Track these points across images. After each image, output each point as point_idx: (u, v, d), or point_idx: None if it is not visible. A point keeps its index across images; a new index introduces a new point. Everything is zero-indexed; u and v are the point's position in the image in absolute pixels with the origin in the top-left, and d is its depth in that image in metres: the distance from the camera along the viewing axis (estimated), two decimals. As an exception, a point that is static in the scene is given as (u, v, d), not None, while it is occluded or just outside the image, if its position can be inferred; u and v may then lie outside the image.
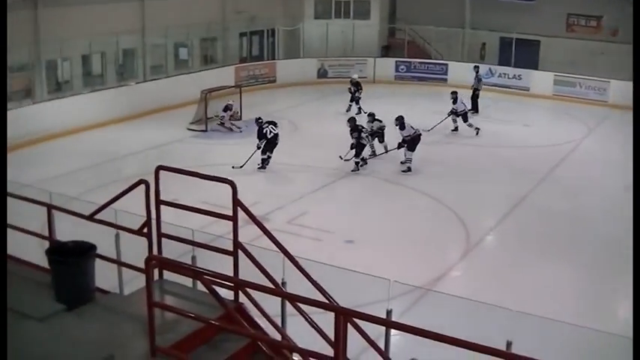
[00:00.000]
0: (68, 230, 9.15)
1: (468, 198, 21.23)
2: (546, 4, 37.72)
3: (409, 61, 39.27)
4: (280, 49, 41.25)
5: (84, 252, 7.69)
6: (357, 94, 31.50)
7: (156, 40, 33.59)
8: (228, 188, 7.54)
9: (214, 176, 7.96)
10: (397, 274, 10.69)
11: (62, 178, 22.32)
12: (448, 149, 26.80)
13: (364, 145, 23.64)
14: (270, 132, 23.49)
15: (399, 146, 23.88)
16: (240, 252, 7.82)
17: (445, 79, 37.79)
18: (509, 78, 37.14)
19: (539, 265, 16.69)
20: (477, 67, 33.69)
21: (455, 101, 28.64)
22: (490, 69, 37.45)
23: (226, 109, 28.37)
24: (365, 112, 29.43)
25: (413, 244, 17.76)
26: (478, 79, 32.98)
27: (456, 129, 28.84)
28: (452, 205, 20.44)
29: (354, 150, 23.46)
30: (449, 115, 28.67)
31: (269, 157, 23.62)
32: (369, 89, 35.25)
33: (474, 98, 32.53)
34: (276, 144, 23.65)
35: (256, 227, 7.86)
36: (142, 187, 7.96)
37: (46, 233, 8.94)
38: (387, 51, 42.19)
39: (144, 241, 8.11)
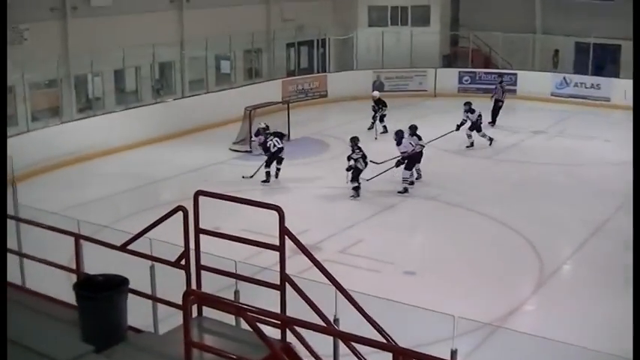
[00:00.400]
0: (98, 262, 9.18)
1: (540, 222, 20.96)
2: (627, 4, 37.19)
3: (474, 71, 39.14)
4: (331, 60, 41.37)
5: (115, 286, 7.68)
6: (379, 112, 31.24)
7: (195, 53, 33.88)
8: (274, 215, 7.51)
9: (260, 202, 8.02)
10: (463, 309, 10.57)
11: (92, 204, 22.53)
12: (515, 167, 26.61)
13: (360, 170, 23.38)
14: (274, 146, 24.37)
15: (397, 164, 23.94)
16: (287, 285, 7.78)
17: (514, 91, 37.46)
18: (586, 87, 36.80)
19: (621, 298, 16.36)
20: (501, 76, 33.68)
21: (472, 112, 28.56)
22: (565, 78, 37.22)
23: (257, 133, 27.71)
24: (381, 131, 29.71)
25: (480, 274, 17.56)
26: (503, 90, 32.88)
27: (471, 144, 28.83)
28: (522, 230, 20.21)
29: (350, 173, 23.44)
30: (470, 129, 28.56)
31: (278, 170, 24.60)
32: (429, 103, 35.21)
33: (496, 110, 32.48)
34: (282, 158, 24.61)
35: (306, 258, 7.80)
36: (180, 214, 7.98)
37: (74, 266, 8.96)
38: (449, 61, 42.09)
39: (181, 274, 8.09)
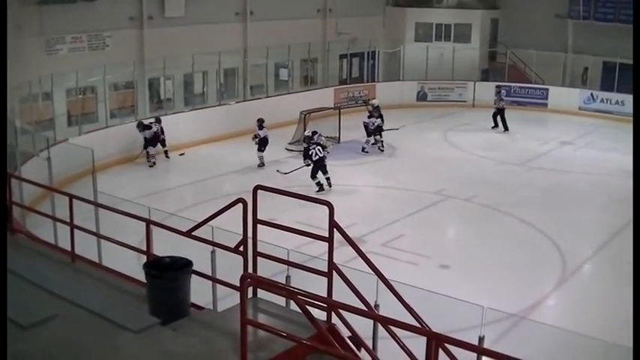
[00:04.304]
0: (166, 245, 9.30)
1: (565, 226, 20.80)
2: (653, 29, 36.80)
3: (509, 85, 38.67)
4: (380, 71, 41.18)
5: (180, 267, 7.81)
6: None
7: (257, 60, 33.94)
8: (324, 209, 7.58)
9: (312, 197, 8.13)
10: (491, 301, 10.57)
11: (161, 194, 22.74)
12: (545, 174, 26.31)
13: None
14: (316, 154, 23.76)
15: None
16: (334, 273, 7.83)
17: (545, 104, 37.28)
18: (611, 104, 36.31)
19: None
20: (498, 87, 34.81)
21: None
22: (592, 94, 36.78)
23: (304, 139, 26.20)
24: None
25: (508, 270, 17.48)
26: (500, 99, 33.33)
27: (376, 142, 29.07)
28: (549, 232, 20.06)
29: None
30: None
31: (328, 180, 23.79)
32: (468, 113, 35.02)
33: (499, 116, 32.95)
34: (325, 167, 23.84)
35: (351, 249, 7.85)
36: (240, 205, 8.06)
37: (144, 247, 9.10)
38: (487, 75, 41.80)
39: (239, 259, 8.18)
